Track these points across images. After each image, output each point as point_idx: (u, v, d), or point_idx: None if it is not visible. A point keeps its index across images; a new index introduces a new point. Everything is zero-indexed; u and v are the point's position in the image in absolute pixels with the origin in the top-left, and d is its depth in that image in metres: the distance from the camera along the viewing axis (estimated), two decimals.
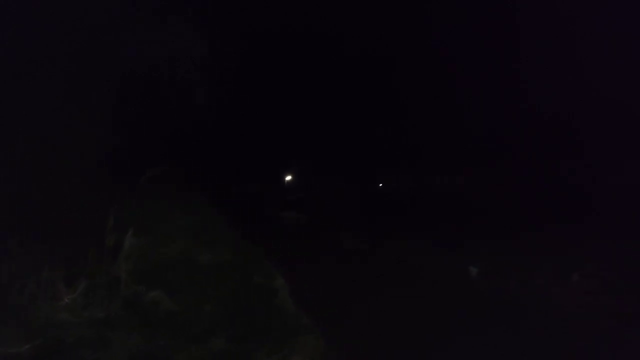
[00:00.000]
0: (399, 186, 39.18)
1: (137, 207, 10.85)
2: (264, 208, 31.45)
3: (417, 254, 16.45)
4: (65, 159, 10.74)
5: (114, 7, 12.42)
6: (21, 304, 5.87)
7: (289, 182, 41.95)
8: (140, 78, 13.71)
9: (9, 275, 6.17)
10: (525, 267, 13.23)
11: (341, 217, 27.72)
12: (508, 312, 9.56)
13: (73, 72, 11.53)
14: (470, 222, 21.31)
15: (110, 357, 5.55)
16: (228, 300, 8.33)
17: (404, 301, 10.10)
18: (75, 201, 9.99)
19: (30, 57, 10.55)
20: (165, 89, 15.05)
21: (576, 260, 13.50)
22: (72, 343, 5.54)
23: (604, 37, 20.97)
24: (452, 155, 35.05)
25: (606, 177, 29.99)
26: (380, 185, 40.80)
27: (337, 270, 14.21)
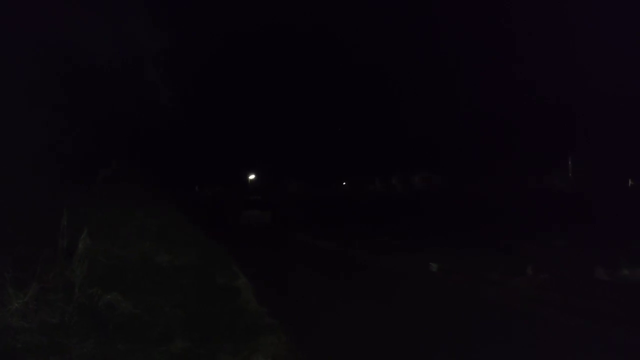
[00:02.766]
0: (361, 186, 39.64)
1: (93, 207, 10.49)
2: (227, 208, 31.08)
3: (380, 253, 16.71)
4: (17, 155, 10.25)
5: (70, 4, 11.98)
6: None
7: (252, 181, 41.50)
8: (101, 75, 13.27)
9: None
10: (482, 263, 13.64)
11: (305, 217, 27.78)
12: (467, 305, 9.83)
13: (28, 69, 11.05)
14: (429, 221, 21.85)
15: None
16: (189, 301, 8.19)
17: (368, 298, 10.21)
18: (26, 200, 9.54)
19: None
20: (127, 86, 14.64)
21: (529, 257, 14.03)
22: (23, 349, 5.28)
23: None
24: (411, 158, 36.00)
25: (553, 177, 31.44)
26: (344, 184, 41.14)
27: (301, 270, 14.23)
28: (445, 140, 31.30)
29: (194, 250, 11.58)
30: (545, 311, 9.40)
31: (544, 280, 11.99)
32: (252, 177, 40.61)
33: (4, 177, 9.23)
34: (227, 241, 15.75)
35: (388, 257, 15.80)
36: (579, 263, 12.76)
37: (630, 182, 28.66)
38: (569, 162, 31.32)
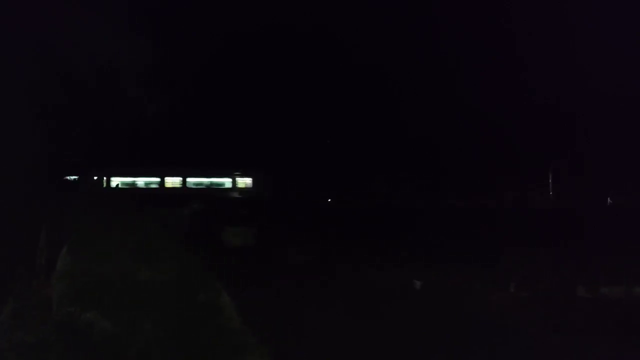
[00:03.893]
0: (347, 202, 39.52)
1: (72, 222, 10.24)
2: (210, 223, 30.56)
3: (365, 269, 16.66)
4: None
5: (60, 15, 11.90)
6: None
7: (237, 196, 41.04)
8: (83, 84, 13.11)
9: None
10: (466, 278, 13.74)
11: (289, 233, 27.55)
12: (451, 321, 9.87)
13: (12, 79, 10.91)
14: (412, 237, 21.92)
15: None
16: (169, 319, 8.01)
17: (352, 315, 10.15)
18: (2, 214, 9.28)
19: None
20: (109, 98, 14.47)
21: (512, 272, 14.20)
22: None
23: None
24: (395, 172, 36.11)
25: (534, 193, 31.91)
26: (329, 200, 41.02)
27: (285, 286, 14.08)
28: (438, 149, 31.47)
29: (175, 266, 11.36)
30: (525, 326, 9.50)
31: (526, 296, 12.16)
32: (236, 193, 40.12)
33: None
34: (211, 257, 15.52)
35: (373, 272, 15.78)
36: (561, 280, 12.96)
37: (609, 200, 29.35)
38: (550, 178, 31.94)
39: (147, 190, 29.81)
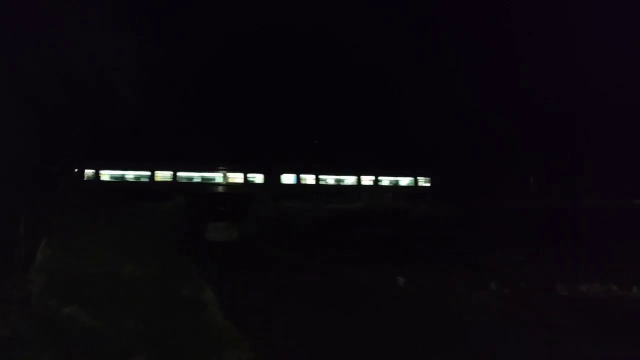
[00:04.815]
0: (331, 201, 39.78)
1: (52, 215, 10.06)
2: (194, 218, 30.39)
3: (349, 267, 16.71)
4: None
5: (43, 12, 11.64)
6: None
7: (220, 192, 40.73)
8: (66, 80, 12.85)
9: None
10: (448, 276, 13.87)
11: (273, 229, 27.53)
12: (432, 317, 9.96)
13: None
14: (396, 236, 22.10)
15: None
16: (151, 314, 7.92)
17: (337, 312, 10.15)
18: None
19: None
20: (93, 92, 14.21)
21: (494, 270, 14.37)
22: None
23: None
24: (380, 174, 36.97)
25: (514, 195, 32.50)
26: (314, 197, 41.11)
27: (268, 282, 14.04)
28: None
29: (158, 261, 11.26)
30: (508, 324, 9.63)
31: (508, 293, 12.32)
32: (220, 188, 39.85)
33: None
34: (194, 253, 15.38)
35: (356, 269, 15.83)
36: (541, 278, 13.18)
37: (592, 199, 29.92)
38: (531, 179, 32.46)
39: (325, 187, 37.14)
